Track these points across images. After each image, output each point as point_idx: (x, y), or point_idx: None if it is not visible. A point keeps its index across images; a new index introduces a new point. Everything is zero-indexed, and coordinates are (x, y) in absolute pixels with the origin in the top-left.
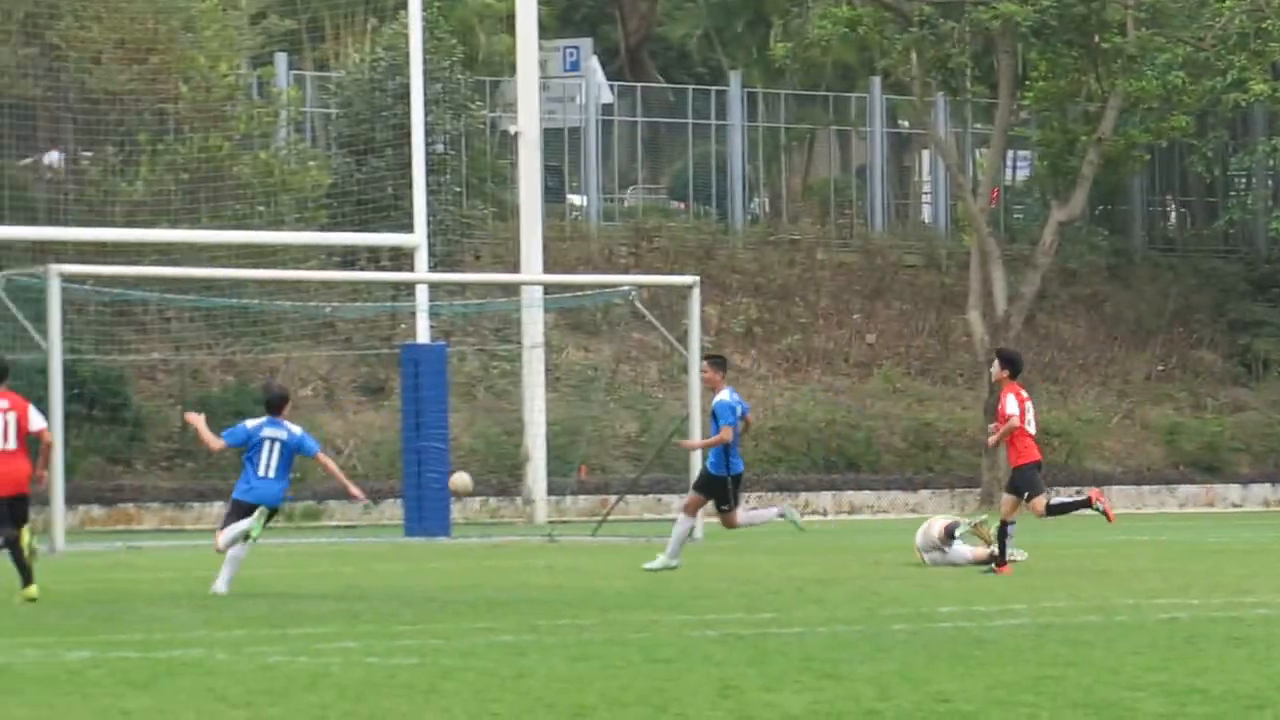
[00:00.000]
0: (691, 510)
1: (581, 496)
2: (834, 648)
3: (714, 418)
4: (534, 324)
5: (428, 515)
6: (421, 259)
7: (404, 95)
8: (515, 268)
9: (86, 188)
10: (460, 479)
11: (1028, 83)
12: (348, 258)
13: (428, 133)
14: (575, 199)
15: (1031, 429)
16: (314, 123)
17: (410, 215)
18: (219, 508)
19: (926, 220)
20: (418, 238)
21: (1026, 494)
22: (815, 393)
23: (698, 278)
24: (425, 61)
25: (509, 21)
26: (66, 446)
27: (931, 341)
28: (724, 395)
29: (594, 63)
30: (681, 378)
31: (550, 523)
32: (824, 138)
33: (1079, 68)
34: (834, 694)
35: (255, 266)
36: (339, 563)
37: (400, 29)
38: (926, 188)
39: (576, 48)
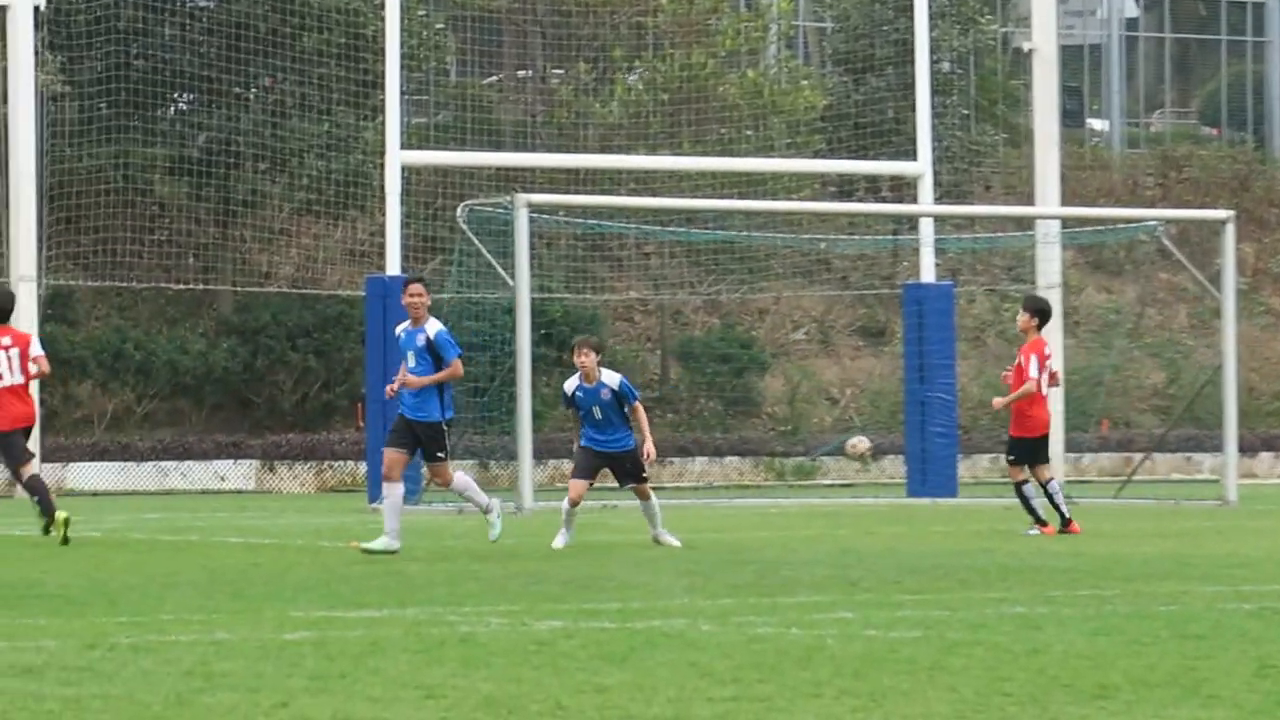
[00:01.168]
0: (397, 475)
1: (1103, 454)
2: None
3: (427, 351)
4: (1050, 262)
5: (933, 473)
6: (926, 189)
7: (907, 8)
8: (1029, 199)
9: (556, 109)
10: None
11: None
12: (844, 188)
13: (933, 50)
14: (1096, 123)
15: (1045, 391)
16: (807, 38)
17: (913, 141)
18: (701, 464)
19: None
20: (921, 165)
21: (1015, 457)
22: None
23: (1232, 212)
24: None
25: None
26: (535, 394)
27: None
28: (437, 325)
29: None
30: (1214, 323)
31: (1068, 482)
32: None
33: None
34: None
35: (742, 196)
36: (834, 525)
37: None
38: None
39: None
